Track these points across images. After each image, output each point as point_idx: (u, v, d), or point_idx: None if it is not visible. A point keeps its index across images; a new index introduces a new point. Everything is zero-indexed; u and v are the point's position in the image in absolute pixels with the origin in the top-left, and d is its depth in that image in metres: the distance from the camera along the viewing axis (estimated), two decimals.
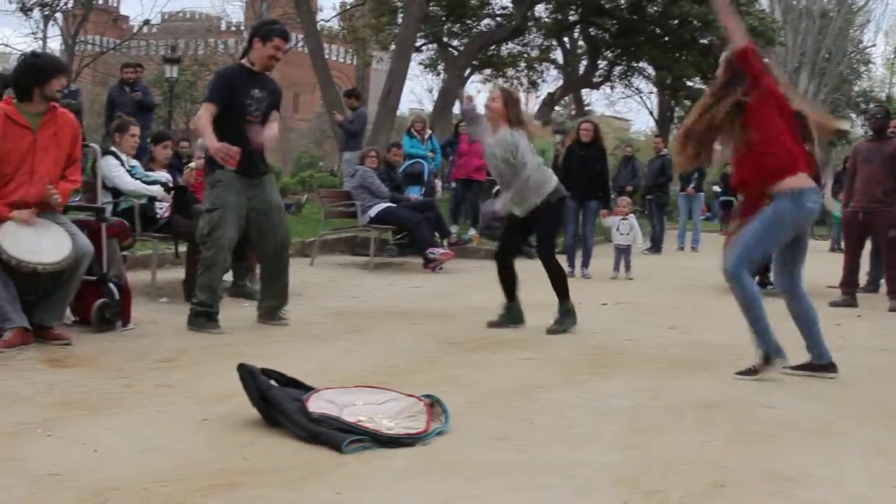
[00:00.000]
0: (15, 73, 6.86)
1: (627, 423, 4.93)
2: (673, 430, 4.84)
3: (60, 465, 3.90)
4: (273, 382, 4.66)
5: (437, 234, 13.46)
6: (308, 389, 4.72)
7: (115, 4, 54.74)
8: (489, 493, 3.77)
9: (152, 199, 8.69)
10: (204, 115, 7.46)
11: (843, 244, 13.06)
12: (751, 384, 6.05)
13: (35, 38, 36.03)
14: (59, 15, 35.37)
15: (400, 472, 3.96)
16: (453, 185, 17.35)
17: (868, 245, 11.71)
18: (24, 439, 4.27)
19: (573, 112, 37.86)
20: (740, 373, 6.24)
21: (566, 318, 8.04)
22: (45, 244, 6.45)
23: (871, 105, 42.03)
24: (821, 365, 6.39)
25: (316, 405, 4.47)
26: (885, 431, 5.03)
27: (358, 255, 14.23)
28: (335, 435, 4.23)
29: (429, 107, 33.65)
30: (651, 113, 44.88)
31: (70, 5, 33.61)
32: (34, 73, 6.67)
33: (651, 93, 41.14)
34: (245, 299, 9.00)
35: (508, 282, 8.14)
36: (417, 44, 26.82)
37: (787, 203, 6.03)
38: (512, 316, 8.12)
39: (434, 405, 4.68)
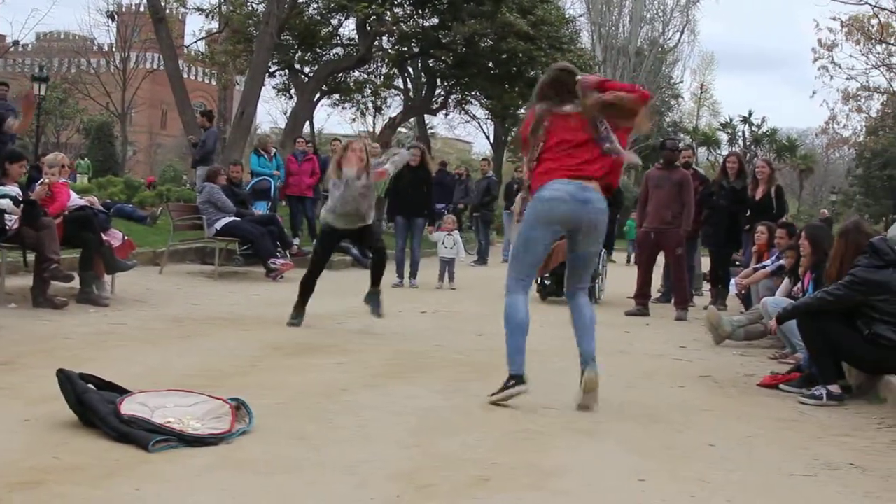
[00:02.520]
0: None
1: (416, 424, 5.03)
2: (456, 430, 4.95)
3: None
4: (91, 386, 4.62)
5: (279, 245, 13.42)
6: (124, 392, 4.70)
7: None
8: (278, 488, 3.82)
9: (1, 211, 8.47)
10: None
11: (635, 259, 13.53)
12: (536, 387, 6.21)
13: None
14: None
15: (200, 469, 3.98)
16: (283, 202, 17.34)
17: (661, 261, 12.13)
18: None
19: (418, 136, 38.09)
20: None
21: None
22: None
23: (678, 135, 43.52)
24: None
25: (129, 407, 4.45)
26: (643, 430, 5.25)
27: (207, 265, 14.08)
28: (143, 435, 4.22)
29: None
30: (487, 137, 45.41)
31: None
32: None
33: (488, 119, 41.60)
34: (91, 306, 8.84)
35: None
36: (271, 69, 26.67)
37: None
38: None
39: (239, 407, 4.70)
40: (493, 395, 5.65)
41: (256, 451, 4.29)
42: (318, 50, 28.63)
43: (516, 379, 5.63)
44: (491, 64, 28.46)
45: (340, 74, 29.14)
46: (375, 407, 5.34)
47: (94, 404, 4.44)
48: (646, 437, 5.10)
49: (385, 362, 6.94)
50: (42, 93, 32.95)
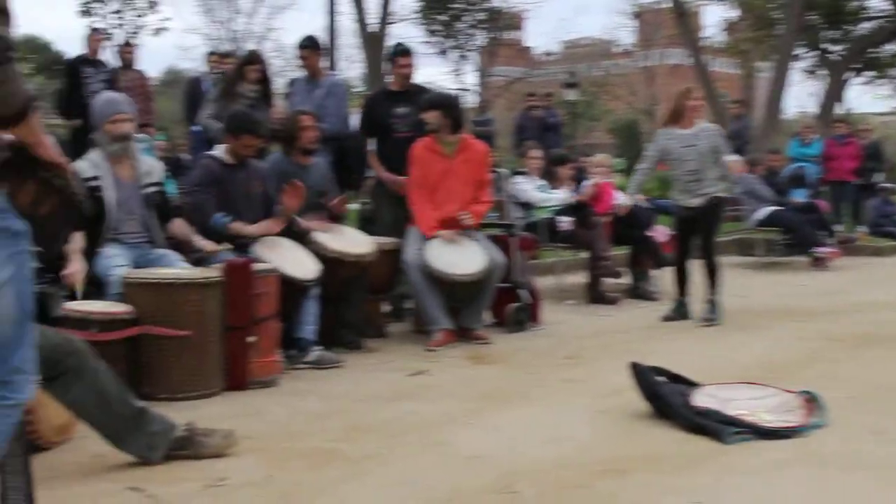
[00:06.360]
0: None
1: None
2: None
3: (481, 449, 4.21)
4: (661, 379, 4.78)
5: (822, 233, 12.98)
6: (693, 385, 4.80)
7: (520, 38, 56.33)
8: (859, 485, 3.72)
9: (557, 213, 8.98)
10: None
11: None
12: None
13: (454, 75, 37.85)
14: (472, 52, 37.33)
15: (776, 463, 3.97)
16: (821, 188, 16.62)
17: None
18: (450, 427, 4.62)
19: None
20: None
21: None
22: (463, 257, 6.89)
23: None
24: None
25: (700, 399, 4.55)
26: None
27: (746, 256, 13.94)
28: (717, 427, 4.29)
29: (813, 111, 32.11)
30: None
31: (481, 44, 35.40)
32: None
33: None
34: (642, 300, 9.11)
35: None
36: (796, 52, 25.86)
37: None
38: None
39: (812, 400, 4.62)
40: None
41: (833, 445, 4.19)
42: (846, 27, 27.28)
43: None
44: None
45: (872, 50, 27.56)
46: None
47: (666, 396, 4.59)
48: None
49: None
50: (573, 98, 34.51)
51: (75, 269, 5.32)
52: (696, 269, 8.07)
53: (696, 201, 7.84)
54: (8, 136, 2.64)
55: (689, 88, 8.24)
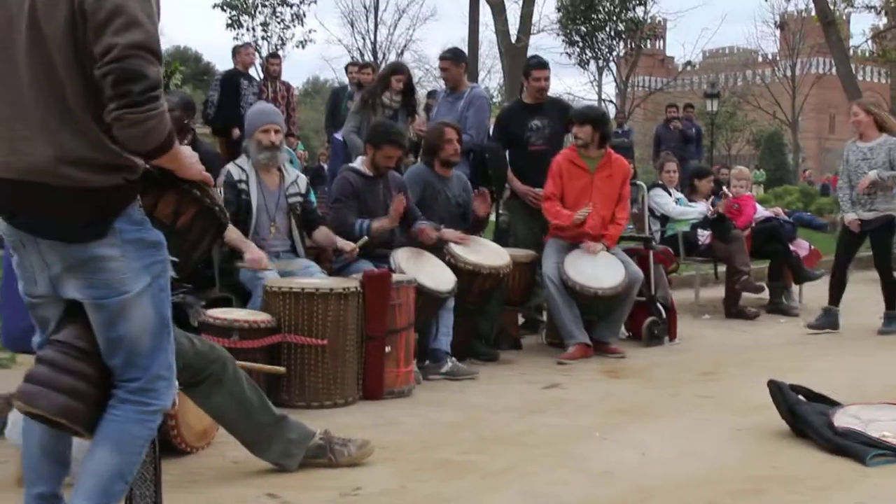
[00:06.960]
0: None
1: None
2: None
3: (613, 464, 4.17)
4: (801, 397, 4.66)
5: None
6: (834, 405, 4.67)
7: (660, 48, 55.83)
8: None
9: (695, 227, 8.84)
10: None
11: None
12: None
13: (592, 86, 37.76)
14: (612, 63, 37.15)
15: None
16: None
17: None
18: (584, 441, 4.60)
19: None
20: None
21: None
22: (602, 271, 6.83)
23: None
24: None
25: (841, 420, 4.42)
26: None
27: None
28: (859, 448, 4.17)
29: None
30: None
31: (621, 54, 35.16)
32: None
33: None
34: (782, 315, 8.89)
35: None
36: None
37: None
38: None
39: None
40: None
41: None
42: None
43: None
44: None
45: None
46: None
47: (806, 415, 4.48)
48: None
49: None
50: (714, 108, 33.92)
51: (258, 254, 5.57)
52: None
53: (867, 215, 7.79)
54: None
55: (851, 105, 8.39)
